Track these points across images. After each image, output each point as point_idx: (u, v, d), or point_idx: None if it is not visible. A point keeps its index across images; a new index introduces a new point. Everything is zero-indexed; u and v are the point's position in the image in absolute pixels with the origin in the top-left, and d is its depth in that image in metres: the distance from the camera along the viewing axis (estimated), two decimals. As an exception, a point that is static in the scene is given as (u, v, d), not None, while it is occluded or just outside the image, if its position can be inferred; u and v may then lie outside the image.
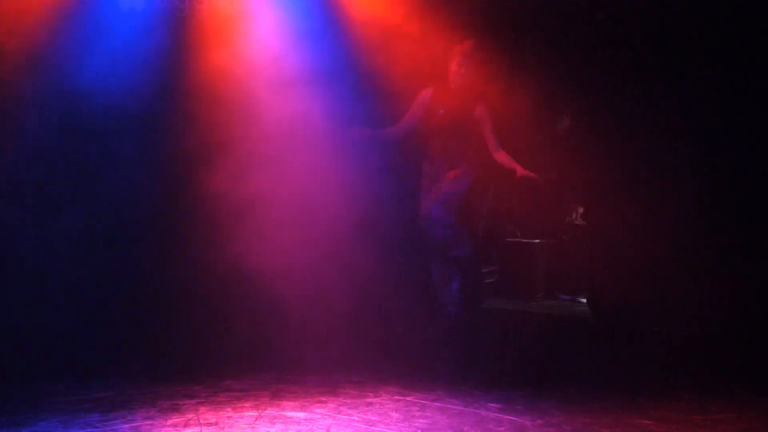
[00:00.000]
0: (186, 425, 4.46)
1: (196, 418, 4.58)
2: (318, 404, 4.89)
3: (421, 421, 4.60)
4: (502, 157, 6.64)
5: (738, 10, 6.55)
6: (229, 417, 4.61)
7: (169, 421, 4.51)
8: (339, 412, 4.74)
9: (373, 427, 4.48)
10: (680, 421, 4.68)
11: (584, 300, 8.05)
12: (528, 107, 7.42)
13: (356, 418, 4.64)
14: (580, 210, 8.39)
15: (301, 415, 4.68)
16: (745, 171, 6.67)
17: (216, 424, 4.49)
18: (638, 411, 4.83)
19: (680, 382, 5.58)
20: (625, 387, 5.45)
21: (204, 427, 4.43)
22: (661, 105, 6.85)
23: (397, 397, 5.02)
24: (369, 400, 4.99)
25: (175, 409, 4.72)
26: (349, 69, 7.07)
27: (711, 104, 6.70)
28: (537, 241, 8.67)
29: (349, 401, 4.95)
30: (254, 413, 4.69)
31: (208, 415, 4.63)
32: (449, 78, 6.59)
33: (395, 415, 4.70)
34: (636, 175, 6.94)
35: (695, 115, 6.75)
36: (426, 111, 6.58)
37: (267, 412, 4.72)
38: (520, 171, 6.59)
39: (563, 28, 7.07)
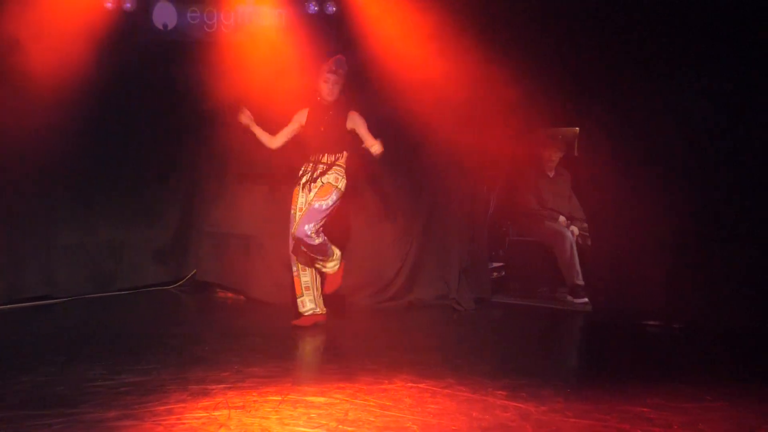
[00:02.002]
0: (215, 408, 4.46)
1: (224, 401, 4.59)
2: (336, 390, 4.88)
3: (432, 406, 4.58)
4: (378, 148, 6.42)
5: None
6: (254, 401, 4.60)
7: (200, 404, 4.51)
8: (356, 398, 4.72)
9: (387, 412, 4.47)
10: (674, 408, 4.64)
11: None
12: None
13: (372, 403, 4.63)
14: (585, 225, 8.30)
15: (321, 399, 4.67)
16: (745, 165, 6.61)
17: (243, 407, 4.49)
18: (635, 399, 4.78)
19: (675, 373, 5.55)
20: (623, 377, 5.41)
21: (232, 410, 4.43)
22: (656, 104, 6.80)
23: (410, 384, 5.00)
24: (384, 386, 4.97)
25: (205, 393, 4.72)
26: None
27: (710, 103, 6.66)
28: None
29: (365, 387, 4.94)
30: (278, 398, 4.70)
31: (235, 399, 4.62)
32: (320, 94, 6.56)
33: (408, 400, 4.68)
34: (636, 171, 6.90)
35: (691, 115, 6.70)
36: (307, 128, 6.61)
37: (289, 396, 4.72)
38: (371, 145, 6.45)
39: (578, 27, 7.01)
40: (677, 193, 6.76)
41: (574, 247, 8.11)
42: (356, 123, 6.53)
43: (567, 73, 7.09)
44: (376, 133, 6.43)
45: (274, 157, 7.16)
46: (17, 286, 7.39)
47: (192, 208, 8.60)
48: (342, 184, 6.52)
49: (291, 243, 6.60)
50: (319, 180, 6.51)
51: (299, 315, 6.65)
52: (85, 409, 4.41)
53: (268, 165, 7.61)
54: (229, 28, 7.71)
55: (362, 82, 7.47)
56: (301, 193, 6.59)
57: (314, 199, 6.44)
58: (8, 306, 7.24)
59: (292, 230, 6.51)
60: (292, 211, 6.61)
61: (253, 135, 6.64)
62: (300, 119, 6.66)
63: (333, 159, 6.54)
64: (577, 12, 6.96)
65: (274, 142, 6.67)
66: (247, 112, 6.59)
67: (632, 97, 6.87)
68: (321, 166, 6.52)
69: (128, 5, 7.43)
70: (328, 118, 6.55)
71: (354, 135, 6.54)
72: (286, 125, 6.70)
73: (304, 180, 6.57)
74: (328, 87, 6.50)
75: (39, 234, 7.54)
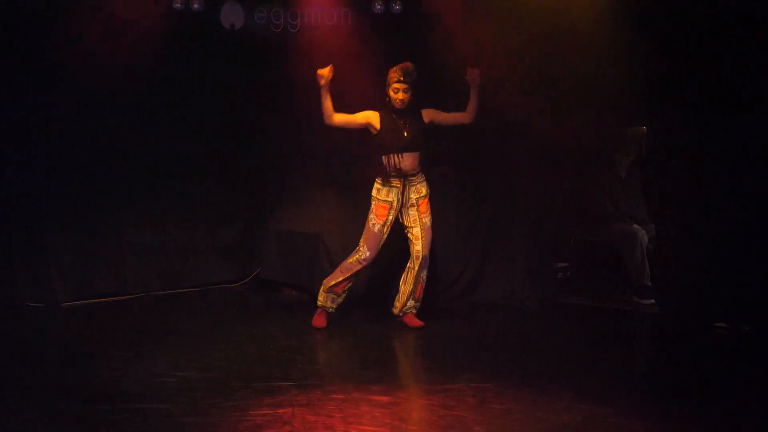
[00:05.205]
0: (280, 405, 4.51)
1: (289, 399, 4.63)
2: (400, 389, 4.90)
3: (496, 406, 4.57)
4: (471, 110, 6.57)
5: None
6: (319, 399, 4.65)
7: (264, 402, 4.58)
8: (420, 397, 4.74)
9: (451, 412, 4.48)
10: (744, 411, 4.58)
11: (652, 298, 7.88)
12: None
13: (436, 403, 4.64)
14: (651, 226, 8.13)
15: (384, 398, 4.69)
16: None
17: (307, 405, 4.53)
18: (704, 402, 4.74)
19: (744, 376, 5.41)
20: (691, 379, 5.33)
21: (296, 408, 4.47)
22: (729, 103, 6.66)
23: (473, 384, 4.99)
24: (447, 386, 4.97)
25: (270, 391, 4.78)
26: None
27: None
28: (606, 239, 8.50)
29: (429, 387, 4.95)
30: (342, 396, 4.72)
31: (299, 397, 4.67)
32: (391, 103, 6.40)
33: (472, 400, 4.68)
34: (706, 171, 6.76)
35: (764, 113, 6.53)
36: (385, 133, 6.41)
37: (353, 395, 4.75)
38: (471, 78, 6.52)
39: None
40: (747, 193, 6.60)
41: (644, 248, 7.99)
42: (433, 114, 6.55)
43: (637, 72, 6.97)
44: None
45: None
46: (87, 283, 7.56)
47: (258, 207, 8.69)
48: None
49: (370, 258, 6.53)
50: (413, 192, 6.56)
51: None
52: (152, 404, 4.50)
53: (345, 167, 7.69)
54: (295, 27, 7.75)
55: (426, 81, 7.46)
56: (393, 211, 6.50)
57: (427, 218, 6.59)
58: (78, 302, 7.41)
59: (425, 251, 6.60)
60: (380, 226, 6.49)
61: (319, 97, 6.33)
62: (372, 122, 6.45)
63: (412, 159, 6.47)
64: (649, 12, 6.85)
65: (332, 119, 6.37)
66: (328, 76, 6.29)
67: (703, 95, 6.73)
68: (411, 174, 6.51)
69: (197, 6, 7.52)
70: (408, 120, 6.43)
71: (433, 128, 6.58)
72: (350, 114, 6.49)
73: (396, 199, 6.50)
74: (399, 98, 6.34)
75: (109, 232, 7.70)
